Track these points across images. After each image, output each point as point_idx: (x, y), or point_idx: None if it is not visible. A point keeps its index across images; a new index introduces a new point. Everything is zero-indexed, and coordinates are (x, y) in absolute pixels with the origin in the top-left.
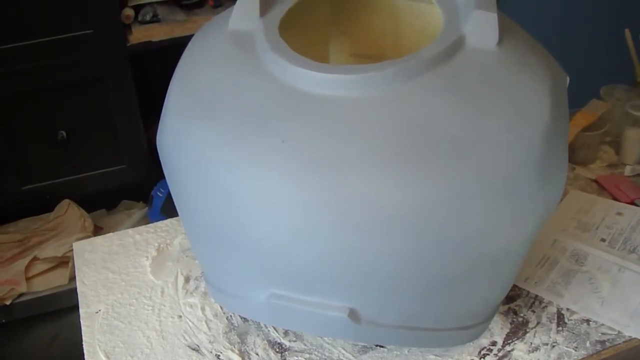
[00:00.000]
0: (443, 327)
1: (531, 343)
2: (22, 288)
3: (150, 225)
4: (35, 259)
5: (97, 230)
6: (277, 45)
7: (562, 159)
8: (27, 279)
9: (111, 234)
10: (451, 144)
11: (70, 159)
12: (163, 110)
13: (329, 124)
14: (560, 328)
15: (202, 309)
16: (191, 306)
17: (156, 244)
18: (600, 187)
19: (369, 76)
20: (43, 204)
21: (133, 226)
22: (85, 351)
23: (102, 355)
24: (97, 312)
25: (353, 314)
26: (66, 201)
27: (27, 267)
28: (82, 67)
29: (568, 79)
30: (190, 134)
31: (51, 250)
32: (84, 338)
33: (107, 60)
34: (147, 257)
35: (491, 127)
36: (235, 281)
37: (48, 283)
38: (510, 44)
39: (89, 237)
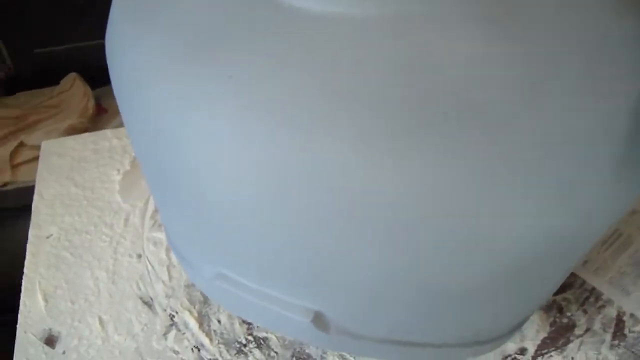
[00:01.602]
0: (447, 343)
1: (572, 358)
2: (6, 177)
3: None
4: (21, 144)
5: (101, 113)
6: None
7: None
8: (13, 167)
9: (86, 134)
10: (487, 107)
11: (89, 21)
12: (112, 2)
13: (305, 57)
14: (616, 341)
15: (167, 249)
16: (155, 244)
17: (133, 154)
18: None
19: None
20: (55, 74)
21: None
22: (23, 287)
23: (39, 297)
24: (47, 237)
25: (319, 320)
26: (72, 75)
27: (14, 153)
28: None
29: None
30: (130, 45)
31: (40, 135)
32: (25, 271)
33: None
34: (119, 170)
35: (554, 85)
36: (184, 241)
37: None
38: None
39: (82, 123)
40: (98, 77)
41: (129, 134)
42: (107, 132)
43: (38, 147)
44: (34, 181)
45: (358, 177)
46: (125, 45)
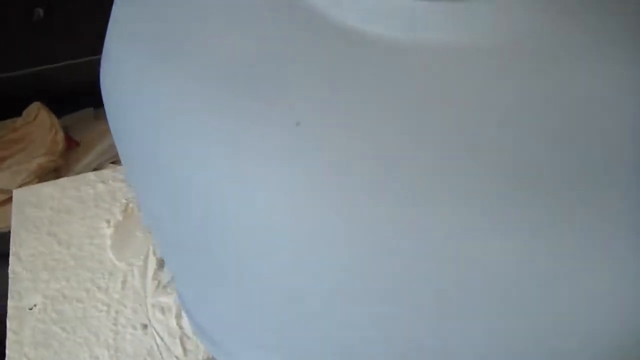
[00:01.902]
0: None
1: None
2: None
3: (122, 167)
4: None
5: (72, 146)
6: None
7: None
8: None
9: (65, 179)
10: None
11: (49, 42)
12: (109, 26)
13: (393, 98)
14: None
15: (178, 316)
16: (162, 310)
17: (124, 201)
18: None
19: (478, 6)
20: (16, 103)
21: None
22: None
23: None
24: (31, 309)
25: None
26: (36, 105)
27: None
28: None
29: None
30: (144, 84)
31: (5, 177)
32: (7, 352)
33: None
34: (108, 222)
35: None
36: (215, 322)
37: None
38: None
39: (52, 161)
40: (66, 103)
41: (135, 186)
42: (90, 175)
43: (5, 190)
44: (6, 227)
45: (471, 252)
46: (136, 86)
